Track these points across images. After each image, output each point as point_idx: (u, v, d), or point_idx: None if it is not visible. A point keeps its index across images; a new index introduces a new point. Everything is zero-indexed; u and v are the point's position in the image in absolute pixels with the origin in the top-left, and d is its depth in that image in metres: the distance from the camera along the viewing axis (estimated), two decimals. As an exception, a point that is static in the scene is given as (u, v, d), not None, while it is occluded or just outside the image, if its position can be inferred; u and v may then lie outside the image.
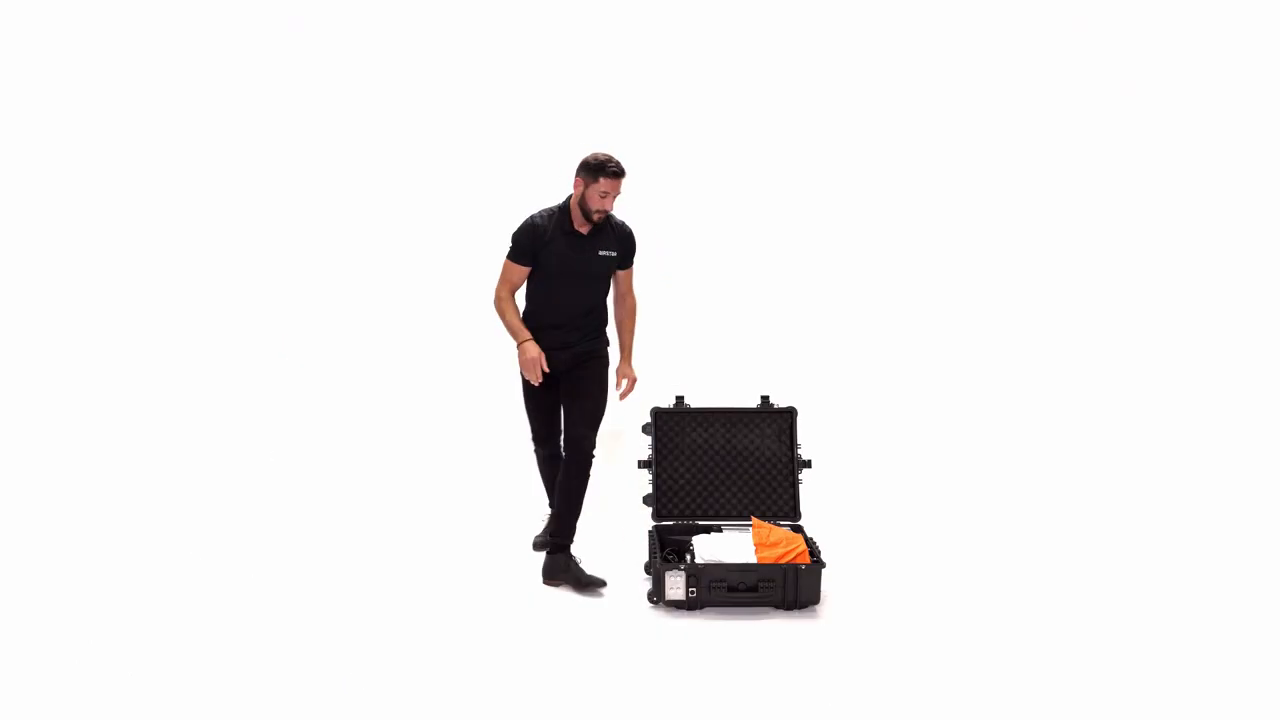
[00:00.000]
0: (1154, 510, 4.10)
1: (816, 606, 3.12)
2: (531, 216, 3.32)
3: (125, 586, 3.28)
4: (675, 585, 3.08)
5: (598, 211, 3.23)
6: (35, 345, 4.98)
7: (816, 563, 3.12)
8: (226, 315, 5.28)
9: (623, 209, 3.41)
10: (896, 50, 5.22)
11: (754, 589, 3.07)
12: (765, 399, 3.59)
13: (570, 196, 3.30)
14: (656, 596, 3.12)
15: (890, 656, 2.76)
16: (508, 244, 3.33)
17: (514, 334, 3.32)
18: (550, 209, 3.34)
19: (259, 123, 5.24)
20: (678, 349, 3.23)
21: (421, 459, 4.79)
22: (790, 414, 3.55)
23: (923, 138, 5.29)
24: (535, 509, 3.89)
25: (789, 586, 3.07)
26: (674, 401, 3.61)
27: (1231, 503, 4.15)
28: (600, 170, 3.18)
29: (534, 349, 3.26)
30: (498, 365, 5.02)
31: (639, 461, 3.55)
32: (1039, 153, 5.27)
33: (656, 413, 3.56)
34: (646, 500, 3.47)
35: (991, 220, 5.34)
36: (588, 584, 3.23)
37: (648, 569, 3.18)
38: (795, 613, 3.10)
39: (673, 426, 3.54)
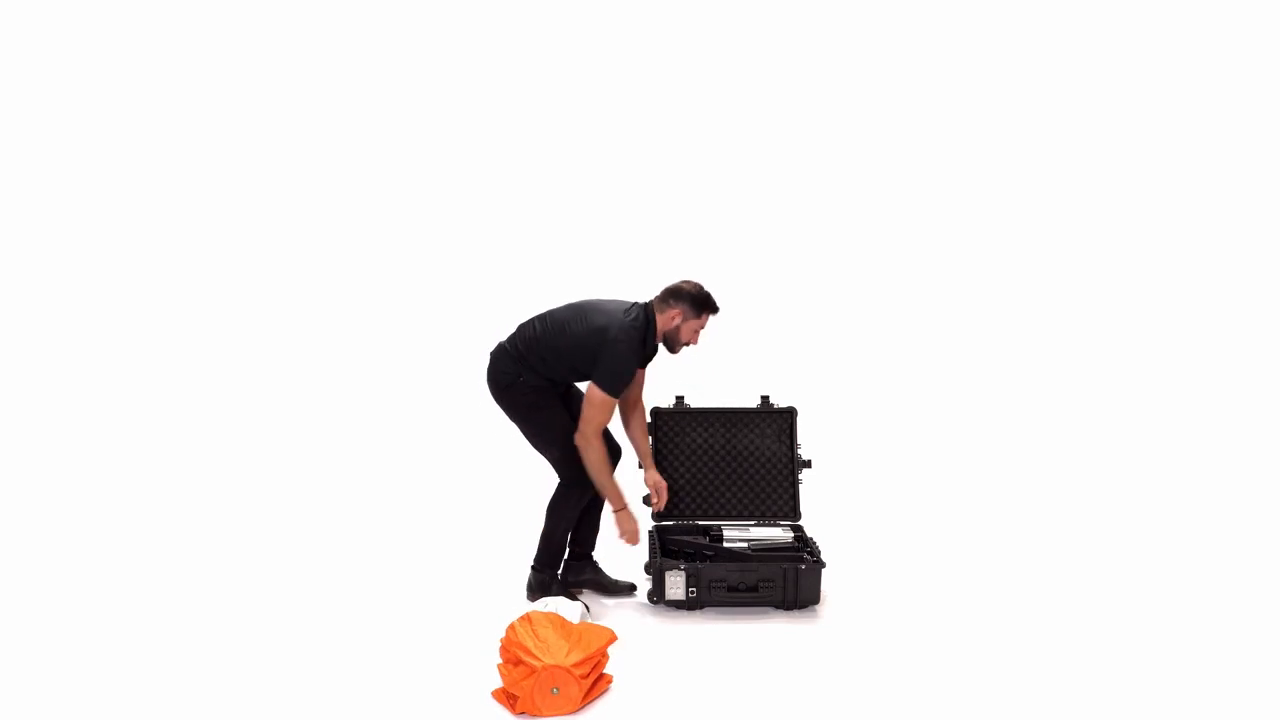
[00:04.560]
0: (1153, 509, 4.10)
1: (816, 606, 3.12)
2: (633, 345, 2.90)
3: (114, 584, 3.28)
4: (675, 585, 3.08)
5: (685, 346, 3.04)
6: (22, 346, 4.98)
7: (816, 563, 3.12)
8: (223, 317, 5.29)
9: (624, 209, 3.39)
10: (895, 52, 5.22)
11: (754, 589, 3.07)
12: (765, 399, 3.59)
13: (645, 317, 2.96)
14: (656, 596, 3.12)
15: (890, 656, 2.76)
16: (612, 372, 2.87)
17: (610, 498, 3.08)
18: (637, 328, 2.92)
19: (256, 125, 5.25)
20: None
21: (421, 459, 4.79)
22: (790, 414, 3.55)
23: (921, 139, 5.30)
24: (533, 507, 3.86)
25: (789, 586, 3.07)
26: (674, 401, 3.60)
27: (1231, 502, 4.15)
28: (707, 306, 2.96)
29: (633, 520, 3.12)
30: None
31: (639, 462, 3.54)
32: (1037, 154, 5.28)
33: (656, 413, 3.56)
34: (646, 500, 3.46)
35: (990, 221, 5.35)
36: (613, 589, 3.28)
37: (648, 569, 3.18)
38: (795, 613, 3.10)
39: (673, 426, 3.54)
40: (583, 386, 3.05)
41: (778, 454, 3.52)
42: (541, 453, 3.14)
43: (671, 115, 5.27)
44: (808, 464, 3.49)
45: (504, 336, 3.15)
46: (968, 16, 5.15)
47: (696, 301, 2.97)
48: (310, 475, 4.59)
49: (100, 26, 5.00)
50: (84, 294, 5.14)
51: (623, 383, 2.91)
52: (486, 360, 3.14)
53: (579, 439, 2.96)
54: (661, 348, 3.11)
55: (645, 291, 3.05)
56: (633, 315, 2.95)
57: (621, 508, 3.12)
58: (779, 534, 3.39)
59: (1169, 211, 5.20)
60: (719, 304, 3.02)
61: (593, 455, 2.97)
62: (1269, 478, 4.38)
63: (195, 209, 5.25)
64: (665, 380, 4.08)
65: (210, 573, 3.42)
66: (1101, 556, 3.60)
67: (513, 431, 3.18)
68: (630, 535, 3.16)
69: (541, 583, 3.16)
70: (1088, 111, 5.20)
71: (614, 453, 3.22)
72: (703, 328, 3.04)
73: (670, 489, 3.49)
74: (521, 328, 3.11)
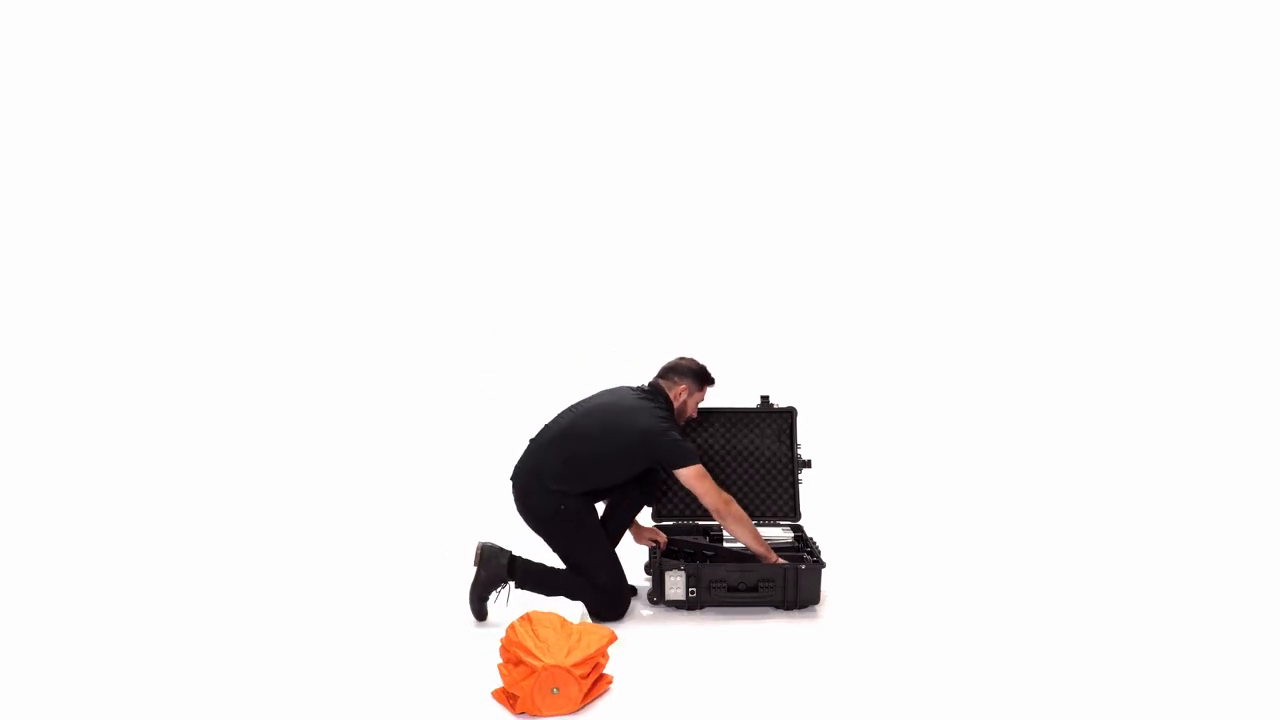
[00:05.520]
0: (1152, 509, 4.10)
1: (816, 606, 3.12)
2: (670, 428, 3.05)
3: (115, 588, 3.29)
4: (675, 585, 3.08)
5: (687, 419, 3.28)
6: (22, 347, 4.99)
7: (816, 563, 3.12)
8: (220, 322, 5.29)
9: (624, 210, 3.40)
10: (895, 52, 5.22)
11: (754, 589, 3.07)
12: (765, 399, 3.59)
13: (660, 392, 3.17)
14: (656, 596, 3.12)
15: (890, 656, 2.76)
16: (687, 452, 2.99)
17: (762, 553, 3.11)
18: (664, 409, 3.12)
19: (257, 132, 5.25)
20: (678, 349, 3.25)
21: (422, 460, 4.79)
22: (790, 414, 3.55)
23: (921, 140, 5.30)
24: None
25: (789, 586, 3.07)
26: (674, 402, 3.60)
27: (1230, 502, 4.15)
28: (707, 379, 3.24)
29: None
30: (487, 364, 5.03)
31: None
32: (1036, 155, 5.28)
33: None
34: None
35: (989, 222, 5.35)
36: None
37: (648, 569, 3.18)
38: (795, 613, 3.10)
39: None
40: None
41: (778, 454, 3.52)
42: (587, 574, 3.05)
43: (671, 117, 5.27)
44: (808, 464, 3.49)
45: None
46: (965, 17, 5.15)
47: (698, 377, 3.23)
48: (311, 476, 4.59)
49: (100, 27, 5.00)
50: (80, 295, 5.14)
51: (692, 449, 3.05)
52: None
53: (722, 517, 3.02)
54: None
55: (645, 300, 3.07)
56: (659, 402, 3.15)
57: (773, 561, 3.12)
58: (779, 534, 3.39)
59: (1167, 212, 5.20)
60: (714, 376, 3.28)
61: (737, 511, 3.04)
62: (1269, 478, 4.38)
63: (196, 213, 5.26)
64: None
65: (211, 574, 3.43)
66: (1101, 555, 3.60)
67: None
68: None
69: (493, 574, 2.99)
70: (1085, 112, 5.20)
71: (647, 492, 3.30)
72: (702, 400, 3.28)
73: (670, 489, 3.49)
74: (546, 453, 3.06)
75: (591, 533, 3.09)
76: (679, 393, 3.20)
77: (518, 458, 3.15)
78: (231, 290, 5.29)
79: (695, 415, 3.32)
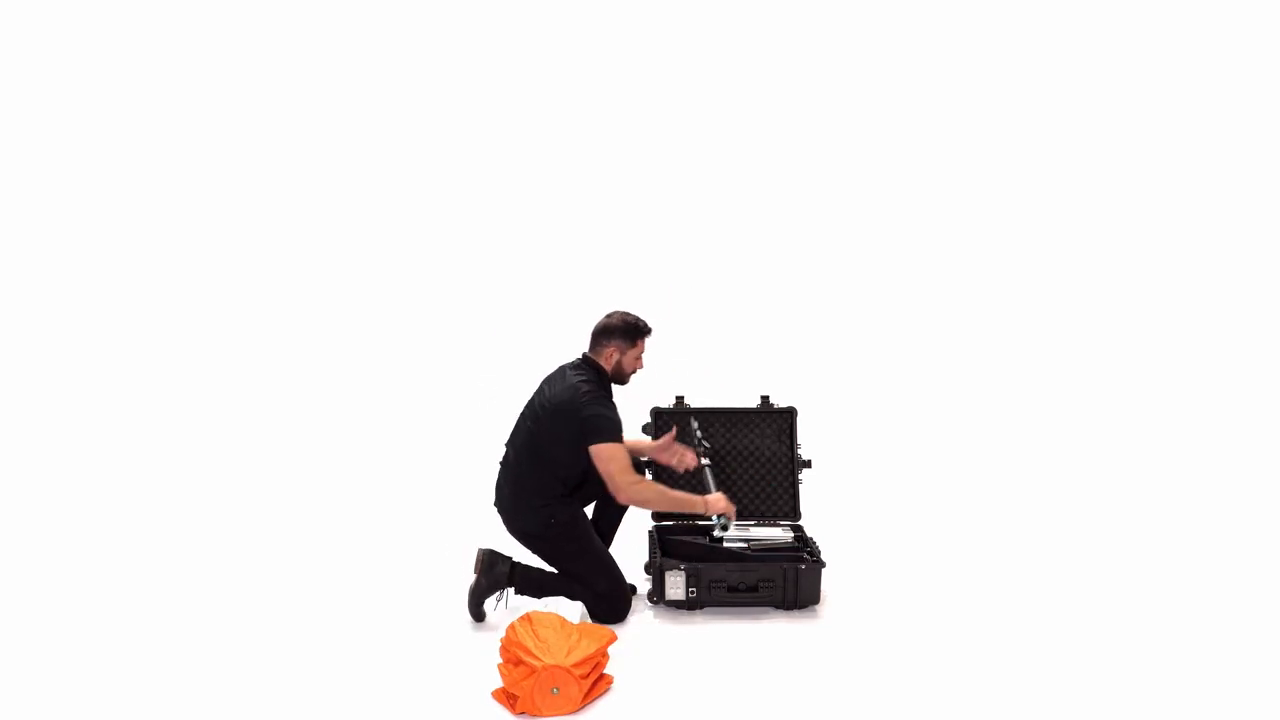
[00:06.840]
0: (1152, 509, 4.10)
1: (816, 606, 3.12)
2: (600, 395, 2.95)
3: (117, 590, 3.29)
4: (675, 585, 3.08)
5: (633, 374, 3.11)
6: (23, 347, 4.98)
7: (816, 563, 3.12)
8: (218, 322, 5.29)
9: (625, 210, 3.39)
10: (895, 52, 5.22)
11: (754, 589, 3.07)
12: (765, 399, 3.59)
13: (589, 365, 3.04)
14: (656, 596, 3.12)
15: (890, 656, 2.76)
16: (599, 427, 2.88)
17: (691, 505, 3.00)
18: (589, 382, 2.97)
19: (257, 132, 5.25)
20: (678, 349, 3.26)
21: (422, 460, 4.79)
22: (790, 414, 3.55)
23: (921, 140, 5.30)
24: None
25: (789, 586, 3.07)
26: (674, 401, 3.60)
27: (1230, 503, 4.15)
28: (639, 332, 3.04)
29: (722, 499, 3.05)
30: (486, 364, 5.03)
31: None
32: (1036, 155, 5.28)
33: (656, 413, 3.56)
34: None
35: (989, 222, 5.35)
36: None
37: (648, 569, 3.18)
38: (795, 613, 3.10)
39: (673, 427, 3.54)
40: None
41: (778, 454, 3.52)
42: (588, 584, 3.02)
43: (670, 116, 5.27)
44: (808, 464, 3.49)
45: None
46: (965, 16, 5.15)
47: (627, 332, 3.04)
48: (311, 477, 4.59)
49: (101, 27, 5.00)
50: (75, 296, 5.14)
51: (617, 425, 2.94)
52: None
53: (623, 498, 2.95)
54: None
55: (645, 299, 3.05)
56: (580, 373, 3.01)
57: (703, 503, 3.03)
58: (779, 534, 3.39)
59: (1167, 212, 5.20)
60: (650, 324, 3.08)
61: (648, 493, 2.98)
62: (1269, 478, 4.38)
63: (194, 214, 5.26)
64: (666, 380, 4.09)
65: (211, 574, 3.42)
66: (1101, 555, 3.60)
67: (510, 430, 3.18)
68: (730, 510, 3.08)
69: (494, 582, 2.98)
70: (1085, 112, 5.20)
71: (616, 518, 3.25)
72: (643, 352, 3.11)
73: (670, 489, 3.48)
74: (517, 472, 3.04)
75: (586, 542, 3.05)
76: (609, 355, 3.03)
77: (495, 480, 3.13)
78: (230, 291, 5.29)
79: (641, 367, 3.11)
